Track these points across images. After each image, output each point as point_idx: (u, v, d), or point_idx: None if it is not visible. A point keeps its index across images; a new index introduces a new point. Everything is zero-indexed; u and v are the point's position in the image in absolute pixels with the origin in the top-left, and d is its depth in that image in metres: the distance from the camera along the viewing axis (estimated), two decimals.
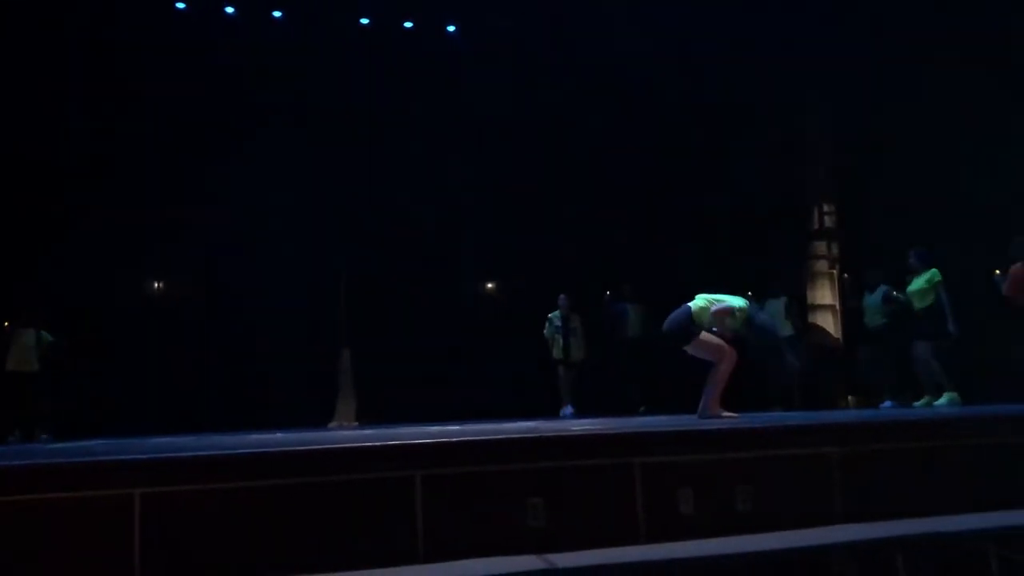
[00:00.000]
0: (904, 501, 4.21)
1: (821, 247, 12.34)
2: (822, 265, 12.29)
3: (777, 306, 11.24)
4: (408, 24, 12.53)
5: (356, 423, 10.23)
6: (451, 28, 12.78)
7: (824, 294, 12.06)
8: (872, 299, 10.09)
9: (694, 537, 3.86)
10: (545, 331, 11.58)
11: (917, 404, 9.32)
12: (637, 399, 11.12)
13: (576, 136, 12.70)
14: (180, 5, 11.76)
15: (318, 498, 3.66)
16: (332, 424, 10.17)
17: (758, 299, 11.52)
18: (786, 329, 11.14)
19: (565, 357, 11.52)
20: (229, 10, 11.92)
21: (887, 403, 9.66)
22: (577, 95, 12.50)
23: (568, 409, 11.14)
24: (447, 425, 7.19)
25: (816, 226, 12.38)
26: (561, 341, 11.52)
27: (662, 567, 3.57)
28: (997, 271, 9.31)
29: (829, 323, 11.97)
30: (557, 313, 11.58)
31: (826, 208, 12.33)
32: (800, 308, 11.68)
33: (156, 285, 12.46)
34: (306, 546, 3.58)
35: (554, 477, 3.93)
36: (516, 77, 12.42)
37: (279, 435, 6.95)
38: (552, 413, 10.97)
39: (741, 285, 12.20)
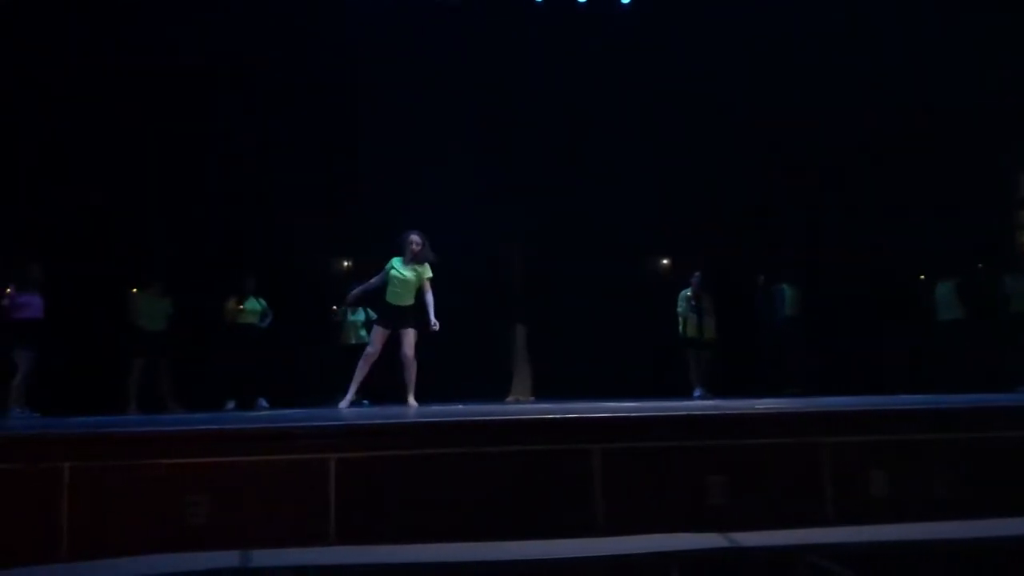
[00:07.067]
0: None
1: None
2: None
3: (946, 289, 10.50)
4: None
5: (532, 397, 10.37)
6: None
7: None
8: None
9: (887, 521, 3.68)
10: (679, 309, 11.27)
11: None
12: (787, 379, 10.69)
13: (751, 116, 12.25)
14: None
15: (497, 467, 3.74)
16: (509, 398, 10.37)
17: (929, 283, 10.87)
18: (956, 313, 10.40)
19: (699, 336, 11.17)
20: None
21: None
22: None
23: (697, 391, 10.86)
24: (621, 401, 7.17)
25: None
26: (696, 319, 11.17)
27: (851, 549, 3.43)
28: None
29: None
30: (688, 291, 11.24)
31: None
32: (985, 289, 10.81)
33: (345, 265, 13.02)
34: (484, 513, 3.67)
35: (736, 455, 3.84)
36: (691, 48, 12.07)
37: (459, 407, 7.15)
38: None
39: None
